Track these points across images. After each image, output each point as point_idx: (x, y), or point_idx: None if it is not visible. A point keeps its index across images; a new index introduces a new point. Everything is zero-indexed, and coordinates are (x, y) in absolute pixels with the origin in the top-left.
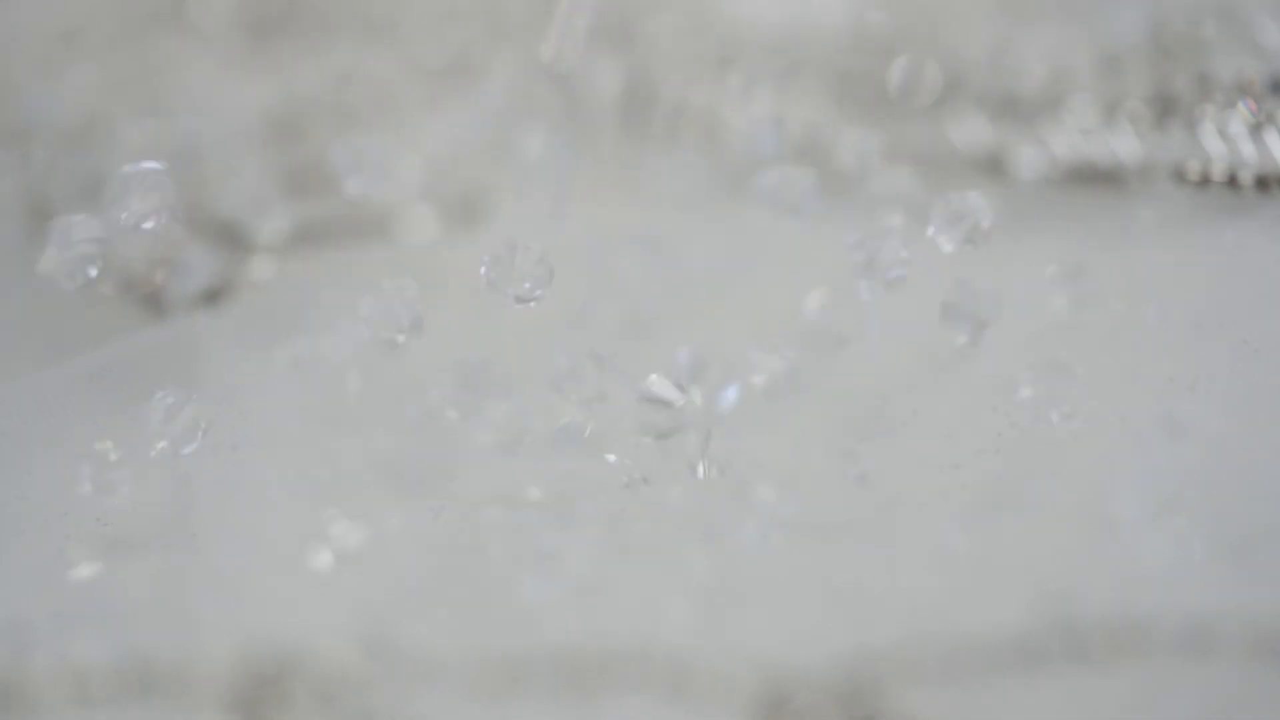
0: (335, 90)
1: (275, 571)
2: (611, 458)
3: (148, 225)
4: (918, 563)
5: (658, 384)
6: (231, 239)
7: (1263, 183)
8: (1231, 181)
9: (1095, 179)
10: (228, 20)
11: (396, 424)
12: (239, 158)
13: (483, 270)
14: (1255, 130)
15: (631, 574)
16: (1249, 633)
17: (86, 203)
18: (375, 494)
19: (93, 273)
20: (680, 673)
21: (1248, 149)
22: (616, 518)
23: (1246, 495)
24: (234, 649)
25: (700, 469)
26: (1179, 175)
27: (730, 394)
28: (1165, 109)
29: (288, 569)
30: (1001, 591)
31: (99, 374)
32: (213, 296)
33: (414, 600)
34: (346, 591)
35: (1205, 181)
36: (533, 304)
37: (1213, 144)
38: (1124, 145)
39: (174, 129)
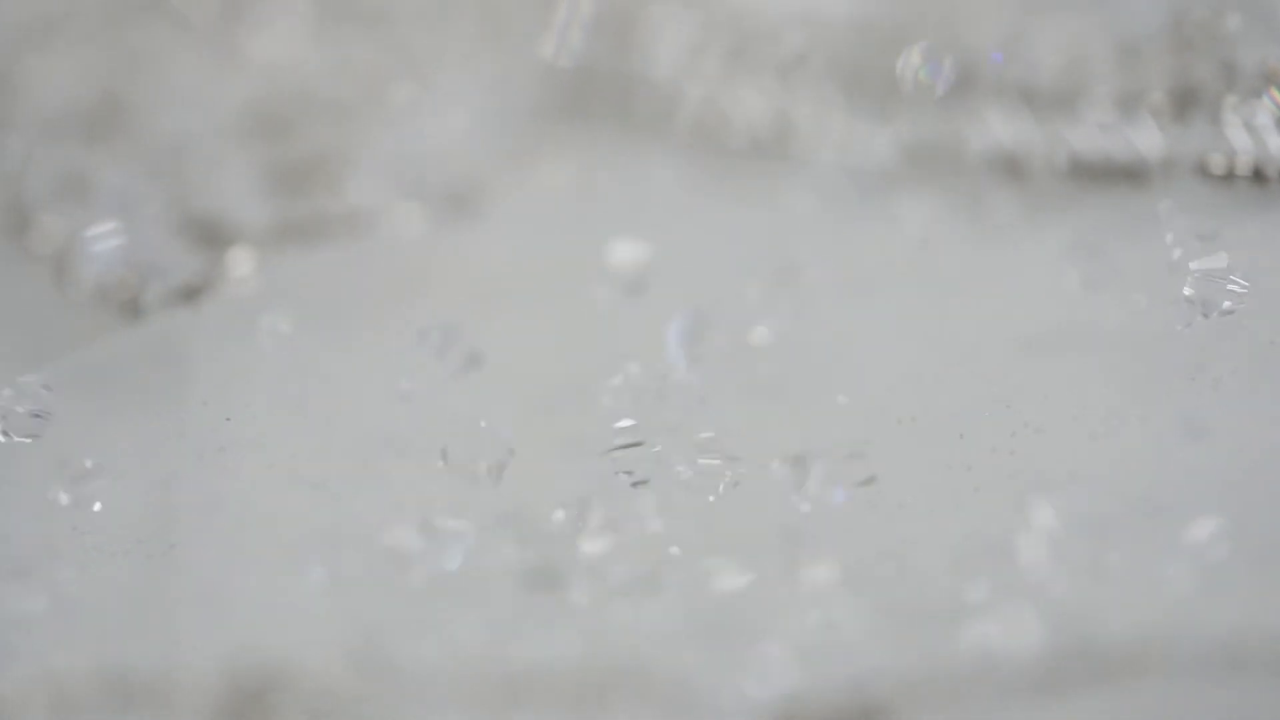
0: (323, 84)
1: (262, 580)
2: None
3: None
4: (927, 572)
5: None
6: (213, 234)
7: None
8: (1257, 175)
9: (1115, 174)
10: (213, 11)
11: (391, 421)
12: (222, 151)
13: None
14: None
15: (632, 588)
16: (1277, 648)
17: (65, 199)
18: (371, 493)
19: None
20: (680, 692)
21: (1273, 141)
22: (618, 528)
23: (1271, 499)
24: (218, 662)
25: None
26: (1202, 169)
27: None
28: (1187, 101)
29: (275, 578)
30: (1015, 605)
31: (77, 378)
32: (193, 295)
33: (406, 613)
34: (337, 603)
35: (1229, 175)
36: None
37: (1237, 136)
38: (1144, 139)
39: (156, 122)
